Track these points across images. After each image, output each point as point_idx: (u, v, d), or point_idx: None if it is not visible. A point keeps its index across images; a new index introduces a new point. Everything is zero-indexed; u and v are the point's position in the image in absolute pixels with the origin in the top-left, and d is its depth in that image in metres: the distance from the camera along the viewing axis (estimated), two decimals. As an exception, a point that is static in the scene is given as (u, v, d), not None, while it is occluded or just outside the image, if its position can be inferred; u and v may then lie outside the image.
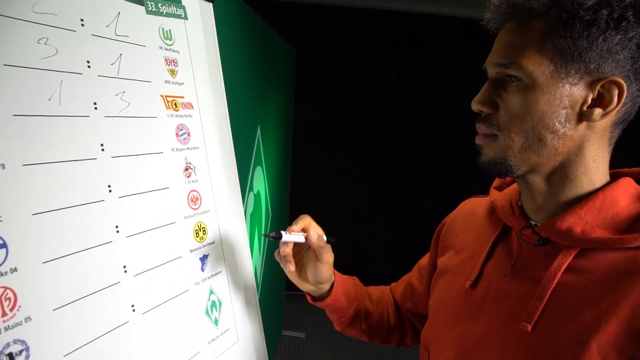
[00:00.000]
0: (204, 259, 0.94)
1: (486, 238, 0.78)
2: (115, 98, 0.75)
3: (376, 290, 1.03)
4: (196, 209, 0.93)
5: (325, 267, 0.85)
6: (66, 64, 0.67)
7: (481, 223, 0.82)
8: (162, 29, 0.89)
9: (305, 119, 3.71)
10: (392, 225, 4.05)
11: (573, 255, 0.62)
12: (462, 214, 0.89)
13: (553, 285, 0.62)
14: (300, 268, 0.89)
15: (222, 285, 0.99)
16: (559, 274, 0.62)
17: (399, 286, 1.03)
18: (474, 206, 0.88)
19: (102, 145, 0.71)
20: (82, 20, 0.71)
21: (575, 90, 0.60)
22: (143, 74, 0.82)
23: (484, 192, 0.88)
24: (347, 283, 0.93)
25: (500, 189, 0.81)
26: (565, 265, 0.62)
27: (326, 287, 0.89)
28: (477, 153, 0.69)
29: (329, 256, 0.85)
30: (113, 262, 0.72)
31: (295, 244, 0.87)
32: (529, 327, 0.62)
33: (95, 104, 0.71)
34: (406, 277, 1.03)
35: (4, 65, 0.58)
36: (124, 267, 0.74)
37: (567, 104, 0.61)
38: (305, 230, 0.85)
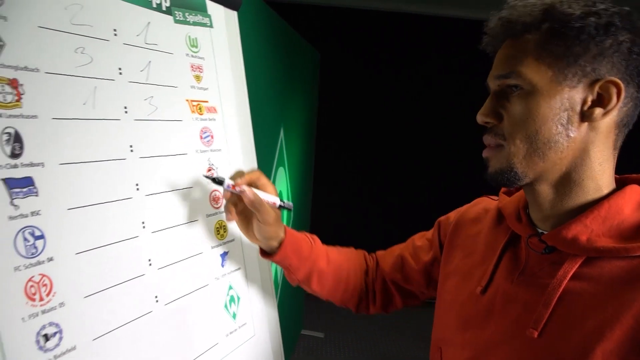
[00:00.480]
0: (224, 255, 0.99)
1: (496, 243, 0.79)
2: (144, 102, 0.80)
3: (340, 252, 1.02)
4: (217, 207, 0.98)
5: (265, 226, 0.85)
6: (100, 71, 0.73)
7: (491, 227, 0.83)
8: (189, 37, 0.94)
9: (329, 120, 3.76)
10: (414, 227, 4.06)
11: (579, 263, 0.64)
12: (473, 214, 0.90)
13: (559, 293, 0.63)
14: (248, 220, 0.89)
15: (240, 281, 1.04)
16: (565, 281, 0.63)
17: (388, 256, 1.03)
18: (485, 208, 0.89)
19: (131, 146, 0.77)
20: (115, 30, 0.76)
21: (574, 93, 0.62)
22: (170, 79, 0.87)
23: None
24: (300, 242, 0.93)
25: (509, 193, 0.82)
26: (571, 273, 0.64)
27: (274, 243, 0.89)
28: (485, 167, 0.71)
29: (267, 217, 0.83)
30: (139, 255, 0.77)
31: None
32: (535, 334, 0.64)
33: (125, 108, 0.77)
34: (397, 250, 1.02)
35: (46, 73, 0.64)
36: (149, 260, 0.79)
37: (567, 105, 0.63)
38: (251, 185, 0.84)
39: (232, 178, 0.83)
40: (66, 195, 0.65)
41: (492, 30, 0.69)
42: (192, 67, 0.94)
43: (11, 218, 0.58)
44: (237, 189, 0.81)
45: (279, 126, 2.24)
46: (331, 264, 0.97)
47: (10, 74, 0.60)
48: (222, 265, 0.98)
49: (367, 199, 4.13)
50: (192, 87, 0.93)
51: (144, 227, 0.78)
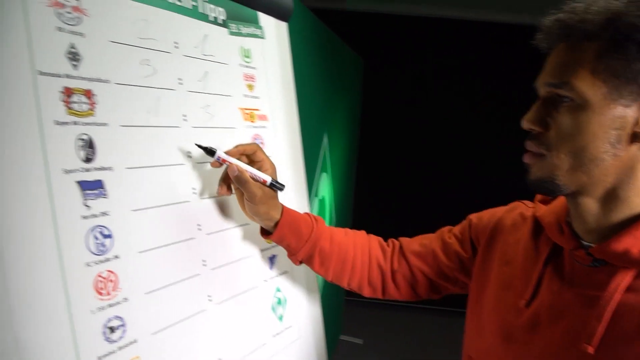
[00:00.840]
0: (272, 258, 1.02)
1: (536, 254, 0.77)
2: (201, 111, 0.85)
3: (348, 235, 0.97)
4: (266, 212, 1.01)
5: (251, 204, 0.82)
6: (162, 82, 0.77)
7: (530, 236, 0.80)
8: (242, 48, 0.98)
9: (372, 126, 3.77)
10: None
11: (631, 275, 0.62)
12: (510, 221, 0.87)
13: (613, 306, 0.62)
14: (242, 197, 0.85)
15: (287, 284, 1.07)
16: (618, 294, 0.62)
17: (415, 245, 0.97)
18: (522, 215, 0.84)
19: (189, 152, 0.81)
20: (176, 43, 0.81)
21: (628, 112, 0.60)
22: (225, 89, 0.91)
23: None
24: (298, 222, 0.89)
25: (545, 202, 0.80)
26: (624, 285, 0.62)
27: (269, 223, 0.87)
28: (526, 171, 0.70)
29: (251, 194, 0.80)
30: (195, 255, 0.81)
31: None
32: (591, 349, 0.62)
33: (184, 116, 0.81)
34: (425, 240, 0.97)
35: (116, 83, 0.69)
36: (204, 261, 0.83)
37: (618, 125, 0.60)
38: (247, 160, 0.83)
39: (227, 152, 0.80)
40: (131, 198, 0.70)
41: (548, 29, 0.66)
42: (245, 76, 0.98)
43: (84, 217, 0.63)
44: (226, 161, 0.79)
45: (323, 132, 2.27)
46: (335, 245, 0.93)
47: (85, 85, 0.65)
48: (271, 268, 1.01)
49: (409, 203, 4.11)
50: (245, 95, 0.97)
51: (199, 229, 0.83)
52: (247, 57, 0.99)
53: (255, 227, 0.96)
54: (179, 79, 0.81)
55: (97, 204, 0.65)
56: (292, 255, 0.93)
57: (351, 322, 3.54)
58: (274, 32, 1.10)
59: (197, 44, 0.86)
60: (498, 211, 0.91)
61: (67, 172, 0.61)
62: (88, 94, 0.65)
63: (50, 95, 0.60)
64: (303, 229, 0.90)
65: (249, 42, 1.00)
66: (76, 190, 0.62)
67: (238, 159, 0.81)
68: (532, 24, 0.70)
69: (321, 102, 2.16)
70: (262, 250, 0.99)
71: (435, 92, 3.98)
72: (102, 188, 0.66)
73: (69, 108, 0.62)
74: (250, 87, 0.99)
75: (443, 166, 4.07)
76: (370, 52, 3.50)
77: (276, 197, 0.86)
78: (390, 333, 3.61)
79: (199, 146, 0.78)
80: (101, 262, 0.65)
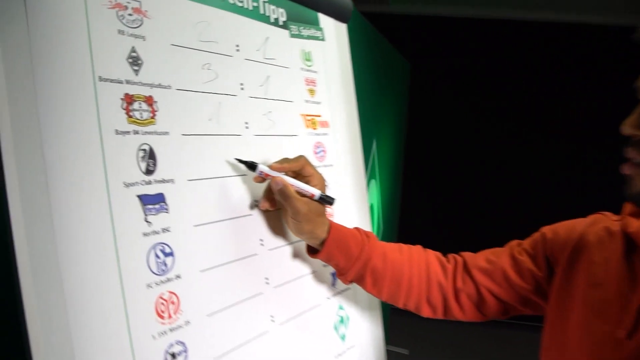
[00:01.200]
0: (335, 274, 0.95)
1: (632, 276, 0.67)
2: (263, 118, 0.79)
3: (402, 251, 0.87)
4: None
5: (295, 222, 0.74)
6: (224, 87, 0.72)
7: (622, 255, 0.70)
8: (303, 50, 0.92)
9: (418, 131, 3.65)
10: (503, 237, 3.81)
11: None
12: (595, 236, 0.76)
13: None
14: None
15: (350, 301, 1.00)
16: None
17: (481, 261, 0.87)
18: (608, 230, 0.75)
19: (251, 162, 0.76)
20: (237, 46, 0.76)
21: None
22: (286, 94, 0.86)
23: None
24: (347, 240, 0.80)
25: (637, 214, 0.70)
26: None
27: (315, 242, 0.79)
28: (625, 182, 0.61)
29: (295, 210, 0.72)
30: (257, 273, 0.75)
31: None
32: None
33: (246, 123, 0.76)
34: (491, 256, 0.87)
35: (177, 89, 0.64)
36: (266, 278, 0.77)
37: None
38: (298, 174, 0.75)
39: (271, 167, 0.73)
40: (192, 212, 0.65)
41: None
42: (306, 81, 0.92)
43: (145, 235, 0.58)
44: (269, 176, 0.72)
45: (372, 139, 2.20)
46: (388, 263, 0.84)
47: (146, 91, 0.60)
48: (334, 285, 0.95)
49: (458, 211, 3.96)
50: (307, 101, 0.91)
51: (262, 244, 0.77)
52: (308, 60, 0.93)
53: (318, 241, 0.90)
54: (241, 84, 0.76)
55: (158, 220, 0.60)
56: (341, 275, 0.85)
57: (396, 332, 3.42)
58: (334, 33, 1.04)
59: (259, 47, 0.81)
60: (577, 225, 0.80)
61: (128, 185, 0.57)
62: (149, 100, 0.60)
63: (110, 103, 0.56)
64: (352, 246, 0.81)
65: (309, 45, 0.94)
66: (137, 205, 0.58)
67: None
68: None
69: (370, 107, 2.09)
70: (324, 265, 0.92)
71: (484, 97, 3.83)
72: (163, 202, 0.61)
73: (130, 116, 0.58)
74: (311, 92, 0.93)
75: (494, 173, 3.90)
76: (416, 55, 3.40)
77: (323, 213, 0.78)
78: (437, 344, 3.47)
79: (240, 161, 0.71)
80: (162, 282, 0.60)
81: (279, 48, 0.85)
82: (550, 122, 3.60)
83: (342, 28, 1.07)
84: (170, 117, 0.63)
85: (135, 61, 0.59)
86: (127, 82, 0.58)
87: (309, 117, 0.91)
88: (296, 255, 0.85)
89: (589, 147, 3.47)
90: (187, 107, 0.66)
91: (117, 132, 0.56)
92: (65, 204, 0.50)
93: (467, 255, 0.90)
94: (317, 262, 0.90)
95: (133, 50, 0.59)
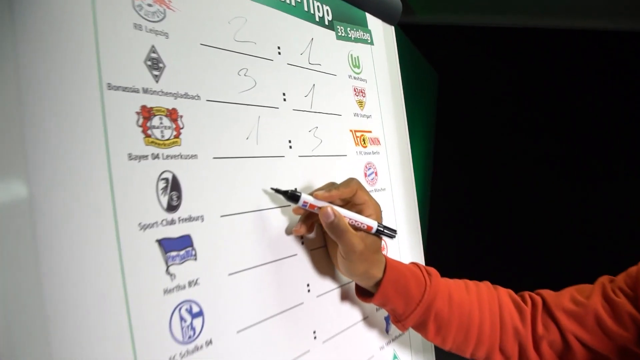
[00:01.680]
0: (388, 318, 0.80)
1: None
2: (308, 135, 0.65)
3: (470, 291, 0.71)
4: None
5: (347, 262, 0.60)
6: (264, 98, 0.58)
7: None
8: (351, 55, 0.78)
9: (446, 144, 3.48)
10: (542, 269, 3.59)
11: None
12: None
13: None
14: (335, 249, 0.64)
15: (404, 348, 0.84)
16: None
17: (565, 302, 0.72)
18: None
19: (296, 190, 0.61)
20: (279, 47, 0.62)
21: None
22: (334, 106, 0.72)
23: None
24: (407, 280, 0.65)
25: None
26: None
27: (369, 283, 0.64)
28: None
29: (349, 247, 0.58)
30: (304, 326, 0.61)
31: None
32: None
33: (290, 142, 0.62)
34: (578, 295, 0.72)
35: (207, 100, 0.50)
36: (314, 332, 0.62)
37: None
38: (343, 204, 0.61)
39: (316, 196, 0.58)
40: (227, 257, 0.51)
41: None
42: (355, 90, 0.78)
43: (167, 292, 0.44)
44: (316, 207, 0.57)
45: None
46: (455, 308, 0.69)
47: (169, 103, 0.46)
48: (387, 331, 0.79)
49: (487, 227, 3.74)
50: (355, 114, 0.77)
51: (309, 290, 0.62)
52: (356, 67, 0.79)
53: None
54: (283, 94, 0.62)
55: (184, 270, 0.46)
56: (398, 321, 0.69)
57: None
58: (382, 37, 0.90)
59: (303, 50, 0.67)
60: None
61: (144, 227, 0.42)
62: (173, 114, 0.46)
63: (122, 118, 0.42)
64: (413, 288, 0.66)
65: (357, 49, 0.80)
66: (156, 253, 0.43)
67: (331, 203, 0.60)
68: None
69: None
70: (377, 309, 0.77)
71: (515, 110, 3.63)
72: (190, 247, 0.46)
73: (148, 135, 0.44)
74: (360, 104, 0.78)
75: (524, 190, 3.69)
76: (444, 66, 3.25)
77: (379, 249, 0.63)
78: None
79: (277, 191, 0.56)
80: (189, 353, 0.45)
81: (324, 52, 0.72)
82: (589, 137, 3.40)
83: (390, 31, 0.93)
84: (199, 136, 0.49)
85: (155, 64, 0.46)
86: (145, 91, 0.44)
87: (359, 133, 0.77)
88: (345, 299, 0.70)
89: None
90: (221, 123, 0.52)
91: (131, 157, 0.42)
92: (59, 261, 0.36)
93: (547, 294, 0.73)
94: (369, 305, 0.75)
95: (153, 50, 0.46)
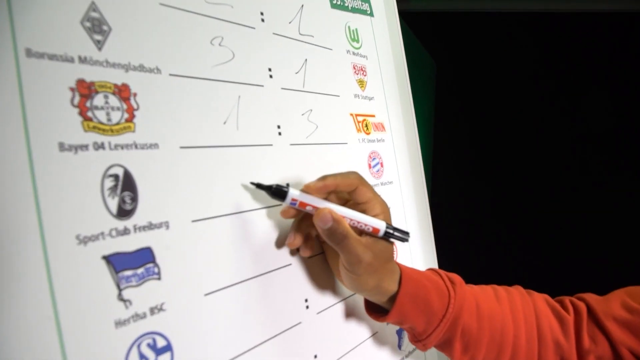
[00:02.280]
0: (401, 332, 0.69)
1: None
2: (301, 119, 0.54)
3: (500, 301, 0.59)
4: (390, 264, 0.69)
5: (352, 275, 0.48)
6: (245, 73, 0.47)
7: None
8: (349, 27, 0.67)
9: (445, 135, 3.37)
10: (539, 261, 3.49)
11: None
12: None
13: None
14: (336, 258, 0.52)
15: (418, 363, 0.74)
16: None
17: (613, 307, 0.61)
18: None
19: (287, 185, 0.50)
20: (262, 14, 0.51)
21: None
22: (330, 86, 0.61)
23: None
24: (427, 294, 0.53)
25: None
26: None
27: (382, 298, 0.52)
28: None
29: (353, 260, 0.46)
30: (303, 349, 0.50)
31: None
32: None
33: (279, 127, 0.51)
34: (631, 301, 0.60)
35: (170, 75, 0.39)
36: (315, 357, 0.52)
37: None
38: (348, 200, 0.50)
39: (307, 188, 0.46)
40: (203, 273, 0.40)
41: None
42: (354, 68, 0.67)
43: (119, 324, 0.33)
44: (308, 205, 0.45)
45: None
46: (485, 322, 0.57)
47: (118, 76, 0.35)
48: (400, 347, 0.69)
49: (493, 223, 3.64)
50: (356, 96, 0.66)
51: (307, 306, 0.51)
52: (355, 40, 0.68)
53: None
54: (269, 69, 0.51)
55: (144, 294, 0.35)
56: (417, 341, 0.57)
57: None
58: (383, 8, 0.79)
59: (292, 18, 0.56)
60: None
61: (85, 240, 0.32)
62: (123, 92, 0.36)
63: (50, 95, 0.31)
64: (435, 302, 0.53)
65: (355, 20, 0.69)
66: (104, 274, 0.32)
67: (325, 198, 0.48)
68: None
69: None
70: (387, 323, 0.66)
71: (519, 102, 3.52)
72: (151, 263, 0.36)
73: (88, 118, 0.33)
74: (361, 83, 0.67)
75: (526, 187, 3.57)
76: (442, 54, 3.13)
77: (391, 257, 0.51)
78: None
79: (259, 186, 0.45)
80: (153, 401, 0.34)
81: (318, 21, 0.61)
82: (587, 126, 3.29)
83: (391, 2, 0.82)
84: (160, 120, 0.38)
85: (97, 26, 0.35)
86: (83, 60, 0.33)
87: (361, 118, 0.66)
88: (350, 313, 0.60)
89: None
90: (189, 104, 0.41)
91: (64, 148, 0.31)
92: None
93: (592, 299, 0.61)
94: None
95: (93, 7, 0.35)
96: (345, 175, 0.48)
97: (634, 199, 2.96)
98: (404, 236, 0.49)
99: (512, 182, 3.53)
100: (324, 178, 0.46)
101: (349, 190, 0.48)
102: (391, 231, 0.48)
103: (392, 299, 0.51)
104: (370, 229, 0.47)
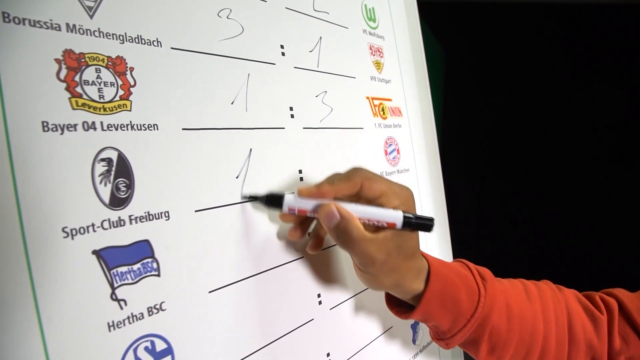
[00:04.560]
0: (415, 326, 0.66)
1: None
2: (315, 101, 0.50)
3: (531, 298, 0.54)
4: (406, 257, 0.65)
5: (367, 274, 0.44)
6: (255, 50, 0.43)
7: None
8: (365, 5, 0.63)
9: (454, 126, 3.30)
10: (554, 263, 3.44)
11: None
12: None
13: None
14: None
15: (433, 358, 0.70)
16: None
17: None
18: None
19: (300, 172, 0.47)
20: (273, -14, 0.47)
21: None
22: (346, 67, 0.56)
23: None
24: (456, 291, 0.48)
25: None
26: None
27: (403, 295, 0.48)
28: None
29: (365, 259, 0.41)
30: (315, 346, 0.47)
31: None
32: None
33: (291, 109, 0.46)
34: None
35: (172, 48, 0.35)
36: (328, 355, 0.48)
37: None
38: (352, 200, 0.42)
39: (300, 192, 0.41)
40: (207, 268, 0.36)
41: None
42: (371, 49, 0.62)
43: (113, 327, 0.29)
44: (309, 208, 0.40)
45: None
46: (515, 323, 0.52)
47: (112, 48, 0.31)
48: (414, 341, 0.65)
49: (493, 224, 3.55)
50: (373, 78, 0.62)
51: (320, 302, 0.48)
52: (372, 20, 0.64)
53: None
54: (281, 47, 0.46)
55: (141, 292, 0.31)
56: (441, 339, 0.52)
57: None
58: (400, -13, 0.74)
59: (305, -8, 0.51)
60: None
61: (73, 233, 0.28)
62: (118, 65, 0.31)
63: (31, 67, 0.27)
64: (464, 300, 0.49)
65: (372, -2, 0.65)
66: (95, 270, 0.29)
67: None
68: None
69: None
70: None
71: (531, 94, 3.43)
72: (149, 257, 0.32)
73: (76, 95, 0.29)
74: (378, 65, 0.63)
75: (540, 183, 3.50)
76: (452, 44, 3.06)
77: (415, 253, 0.45)
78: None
79: (251, 198, 0.41)
80: (150, 412, 0.30)
81: (333, -3, 0.56)
82: (601, 120, 3.20)
83: (409, -20, 0.77)
84: (160, 98, 0.34)
85: (87, -9, 0.31)
86: (72, 29, 0.29)
87: (377, 102, 0.62)
88: (364, 308, 0.56)
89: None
90: (193, 81, 0.37)
91: (48, 127, 0.27)
92: None
93: (624, 295, 0.56)
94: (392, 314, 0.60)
95: (83, -32, 0.30)
96: (345, 177, 0.42)
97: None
98: (426, 223, 0.42)
99: (522, 174, 3.46)
100: (319, 185, 0.41)
101: (354, 190, 0.42)
102: (411, 221, 0.41)
103: (418, 296, 0.47)
104: (385, 224, 0.41)
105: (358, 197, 0.42)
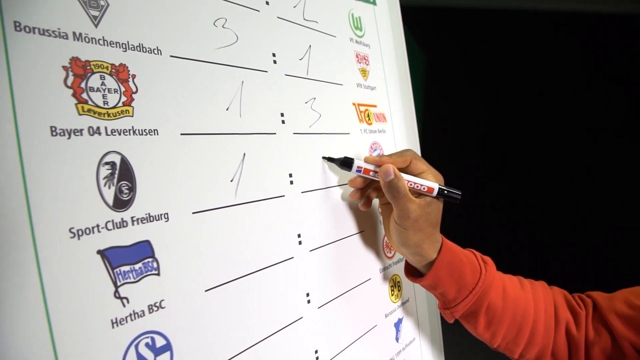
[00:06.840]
0: (398, 324, 0.68)
1: None
2: (304, 107, 0.52)
3: (524, 287, 0.64)
4: (391, 257, 0.68)
5: (400, 228, 0.54)
6: (249, 58, 0.45)
7: None
8: (352, 15, 0.65)
9: (434, 130, 3.36)
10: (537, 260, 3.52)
11: None
12: None
13: None
14: (389, 216, 0.59)
15: (416, 357, 0.72)
16: None
17: (617, 304, 0.63)
18: None
19: (290, 175, 0.48)
20: (266, -4, 0.49)
21: None
22: (334, 74, 0.58)
23: None
24: (461, 265, 0.59)
25: None
26: None
27: (421, 261, 0.58)
28: None
29: (403, 211, 0.52)
30: (303, 345, 0.48)
31: None
32: None
33: (282, 115, 0.48)
34: (635, 299, 0.63)
35: (171, 56, 0.37)
36: (316, 352, 0.50)
37: None
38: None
39: (366, 159, 0.54)
40: (203, 268, 0.37)
41: None
42: (357, 57, 0.64)
43: (116, 323, 0.30)
44: (372, 168, 0.53)
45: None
46: (509, 302, 0.61)
47: (116, 56, 0.33)
48: (397, 339, 0.67)
49: (475, 222, 3.63)
50: (358, 85, 0.64)
51: (308, 300, 0.49)
52: (358, 28, 0.66)
53: (379, 282, 0.63)
54: (273, 55, 0.48)
55: (142, 291, 0.32)
56: (446, 308, 0.61)
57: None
58: (385, -3, 0.76)
59: (296, 2, 0.53)
60: None
61: (79, 233, 0.29)
62: (121, 73, 0.33)
63: (41, 74, 0.28)
64: (467, 274, 0.59)
65: (359, 8, 0.67)
66: (99, 269, 0.30)
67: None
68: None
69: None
70: (387, 315, 0.66)
71: (505, 93, 3.52)
72: (149, 257, 0.33)
73: (82, 101, 0.30)
74: (364, 72, 0.65)
75: (515, 176, 3.59)
76: (433, 49, 3.12)
77: (437, 224, 0.56)
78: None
79: (330, 159, 0.54)
80: (150, 406, 0.32)
81: (321, 7, 0.58)
82: (578, 123, 3.30)
83: (393, -9, 0.80)
84: (160, 104, 0.35)
85: (93, 1, 0.32)
86: (78, 37, 0.31)
87: (363, 108, 0.64)
88: (351, 307, 0.58)
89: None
90: (191, 88, 0.38)
91: (56, 132, 0.29)
92: None
93: (599, 296, 0.65)
94: (378, 313, 0.63)
95: (88, -20, 0.32)
96: (399, 153, 0.55)
97: None
98: (456, 193, 0.55)
99: (503, 175, 3.54)
100: (380, 156, 0.54)
101: (404, 165, 0.54)
102: (444, 191, 0.54)
103: (430, 264, 0.57)
104: (425, 189, 0.53)
105: (406, 171, 0.54)
